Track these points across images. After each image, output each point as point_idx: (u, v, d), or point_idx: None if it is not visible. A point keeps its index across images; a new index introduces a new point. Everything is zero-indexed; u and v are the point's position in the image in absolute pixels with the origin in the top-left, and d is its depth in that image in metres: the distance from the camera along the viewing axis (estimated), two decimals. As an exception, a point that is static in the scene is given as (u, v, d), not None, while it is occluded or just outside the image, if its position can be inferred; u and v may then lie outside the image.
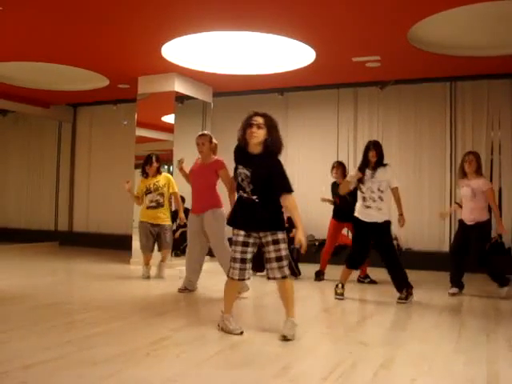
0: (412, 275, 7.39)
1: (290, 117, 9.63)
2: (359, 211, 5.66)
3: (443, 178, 8.68)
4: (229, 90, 9.43)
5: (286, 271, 3.98)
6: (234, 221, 4.10)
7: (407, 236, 8.78)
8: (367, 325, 4.79)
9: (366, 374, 3.20)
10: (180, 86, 8.51)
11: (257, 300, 5.78)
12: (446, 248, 8.51)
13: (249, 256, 4.01)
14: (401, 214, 5.73)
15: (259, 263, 7.04)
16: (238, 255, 3.97)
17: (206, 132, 6.05)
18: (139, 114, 8.79)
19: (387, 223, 5.60)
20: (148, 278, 6.94)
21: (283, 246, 3.97)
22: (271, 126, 3.98)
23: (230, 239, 4.36)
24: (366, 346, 3.90)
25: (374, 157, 5.60)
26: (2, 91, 9.69)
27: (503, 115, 8.43)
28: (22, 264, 8.43)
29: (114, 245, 10.18)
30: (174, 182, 7.07)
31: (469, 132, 8.61)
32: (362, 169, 5.65)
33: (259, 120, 3.94)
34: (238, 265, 3.97)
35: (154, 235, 7.01)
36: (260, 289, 6.17)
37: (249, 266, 4.02)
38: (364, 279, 6.87)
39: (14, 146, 12.35)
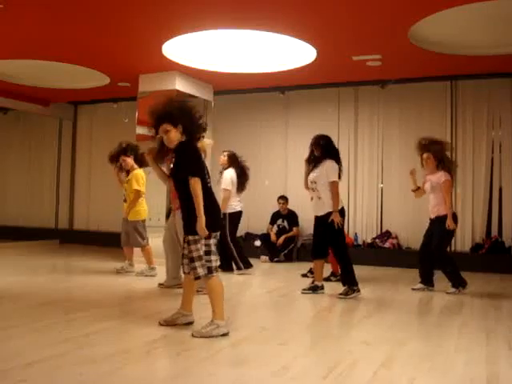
0: (411, 274, 7.40)
1: (291, 115, 9.62)
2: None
3: (444, 177, 8.67)
4: (230, 88, 9.42)
5: (199, 272, 3.96)
6: None
7: (407, 235, 8.79)
8: (367, 324, 4.79)
9: (366, 373, 3.20)
10: (181, 85, 8.50)
11: (257, 299, 5.78)
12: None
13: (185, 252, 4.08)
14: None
15: (227, 263, 7.16)
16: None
17: None
18: (140, 112, 8.78)
19: (328, 216, 5.70)
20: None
21: (193, 247, 3.96)
22: (178, 118, 4.01)
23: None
24: (366, 345, 3.90)
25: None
26: (3, 89, 9.69)
27: (504, 114, 8.43)
28: (22, 262, 8.43)
29: (115, 243, 10.10)
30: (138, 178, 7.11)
31: (469, 131, 8.60)
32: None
33: (165, 128, 4.00)
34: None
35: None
36: (260, 288, 6.17)
37: (185, 261, 4.08)
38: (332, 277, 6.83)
39: (14, 144, 12.34)
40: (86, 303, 5.16)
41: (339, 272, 6.10)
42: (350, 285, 5.66)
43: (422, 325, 4.73)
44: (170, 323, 4.17)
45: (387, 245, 8.65)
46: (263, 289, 6.15)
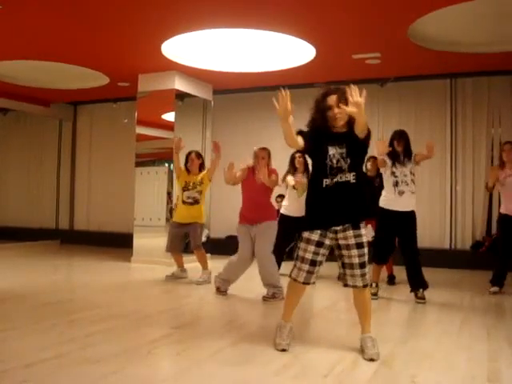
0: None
1: (291, 114, 9.60)
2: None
3: (443, 174, 8.67)
4: (229, 87, 9.42)
5: (368, 278, 3.61)
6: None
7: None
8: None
9: (367, 371, 3.21)
10: (180, 84, 8.51)
11: (257, 297, 5.78)
12: (446, 245, 8.53)
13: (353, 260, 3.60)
14: None
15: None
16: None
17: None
18: (139, 112, 8.79)
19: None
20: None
21: (363, 250, 3.56)
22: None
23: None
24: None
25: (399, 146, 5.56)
26: (3, 90, 9.69)
27: (503, 112, 8.43)
28: (23, 262, 8.43)
29: (115, 243, 10.18)
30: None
31: (469, 129, 8.60)
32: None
33: (335, 99, 3.49)
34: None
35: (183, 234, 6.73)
36: (260, 286, 6.16)
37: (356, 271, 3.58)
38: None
39: (14, 145, 12.34)
40: (88, 303, 5.17)
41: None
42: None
43: (422, 322, 4.73)
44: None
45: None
46: (263, 287, 6.13)
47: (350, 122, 3.46)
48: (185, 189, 6.59)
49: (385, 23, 6.12)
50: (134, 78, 8.67)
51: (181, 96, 8.67)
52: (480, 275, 7.05)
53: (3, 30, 6.50)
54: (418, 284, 5.51)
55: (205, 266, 6.58)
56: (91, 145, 11.56)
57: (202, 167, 6.72)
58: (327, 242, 3.54)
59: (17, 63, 8.15)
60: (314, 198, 3.61)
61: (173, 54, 7.55)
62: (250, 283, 5.95)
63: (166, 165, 8.63)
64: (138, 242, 8.54)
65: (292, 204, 6.53)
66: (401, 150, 5.56)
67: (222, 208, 9.21)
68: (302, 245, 3.58)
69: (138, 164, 8.91)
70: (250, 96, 9.72)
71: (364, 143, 3.52)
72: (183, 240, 6.75)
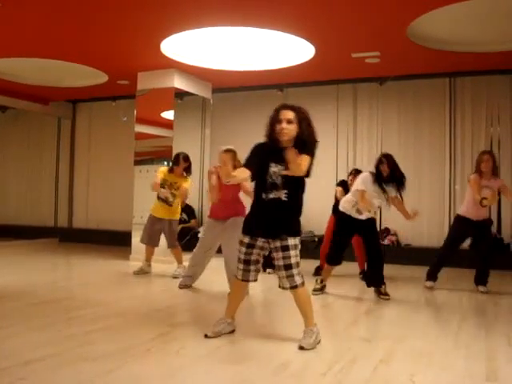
0: (411, 271, 7.43)
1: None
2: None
3: (443, 174, 8.68)
4: (228, 86, 9.42)
5: (297, 280, 3.73)
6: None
7: (406, 232, 8.80)
8: (366, 320, 4.80)
9: (366, 370, 3.21)
10: (179, 82, 8.50)
11: (256, 296, 5.78)
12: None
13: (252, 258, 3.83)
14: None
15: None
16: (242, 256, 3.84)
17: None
18: (138, 110, 8.78)
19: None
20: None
21: (293, 252, 3.71)
22: (303, 119, 3.70)
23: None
24: (365, 341, 3.91)
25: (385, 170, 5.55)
26: (2, 87, 9.67)
27: (502, 111, 8.43)
28: (22, 260, 8.42)
29: (114, 241, 10.19)
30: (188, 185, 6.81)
31: (468, 128, 8.60)
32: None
33: (289, 114, 3.66)
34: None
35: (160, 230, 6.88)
36: (259, 284, 6.17)
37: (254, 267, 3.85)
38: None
39: (13, 143, 12.33)
40: (86, 301, 5.16)
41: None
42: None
43: (421, 321, 4.73)
44: (217, 334, 3.91)
45: (386, 242, 8.66)
46: (263, 285, 6.14)
47: (297, 140, 3.65)
48: (162, 186, 6.70)
49: (384, 22, 6.12)
50: (133, 76, 8.66)
51: (180, 94, 8.67)
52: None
53: (2, 27, 6.49)
54: (377, 281, 5.58)
55: (180, 261, 6.85)
56: (90, 143, 11.55)
57: (187, 170, 6.77)
58: (259, 243, 3.77)
59: (16, 61, 8.14)
60: (252, 208, 3.87)
61: (172, 52, 7.54)
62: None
63: (165, 163, 8.63)
64: (136, 240, 8.50)
65: None
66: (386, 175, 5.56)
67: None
68: (238, 246, 3.87)
69: (137, 162, 8.90)
70: (249, 94, 9.72)
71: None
72: (158, 234, 6.89)
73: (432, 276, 6.13)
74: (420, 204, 8.55)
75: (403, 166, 8.78)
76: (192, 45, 7.44)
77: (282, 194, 3.67)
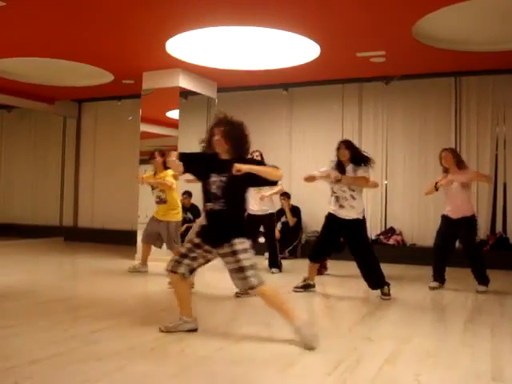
0: (416, 271, 7.41)
1: (295, 112, 9.60)
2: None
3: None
4: (233, 85, 9.41)
5: (253, 281, 3.77)
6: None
7: (411, 232, 8.78)
8: (371, 320, 4.79)
9: (371, 369, 3.20)
10: (184, 82, 8.50)
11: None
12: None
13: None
14: None
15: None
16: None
17: None
18: (144, 109, 8.79)
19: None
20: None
21: (243, 255, 3.77)
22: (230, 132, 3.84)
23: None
24: (370, 341, 3.91)
25: (344, 156, 5.57)
26: (7, 87, 9.71)
27: (508, 110, 8.40)
28: (27, 260, 8.45)
29: (119, 240, 10.20)
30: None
31: (474, 127, 8.58)
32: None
33: (219, 131, 3.83)
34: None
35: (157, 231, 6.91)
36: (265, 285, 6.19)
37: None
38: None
39: (19, 142, 12.38)
40: (92, 301, 5.18)
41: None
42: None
43: (426, 320, 4.73)
44: (169, 330, 3.97)
45: (391, 241, 8.65)
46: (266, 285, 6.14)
47: (233, 151, 3.82)
48: (152, 188, 6.86)
49: (390, 21, 6.10)
50: (138, 76, 8.67)
51: (185, 94, 8.68)
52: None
53: (7, 27, 6.51)
54: (377, 282, 5.55)
55: None
56: (95, 142, 11.58)
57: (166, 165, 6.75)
58: (207, 247, 3.89)
59: (21, 60, 8.15)
60: (203, 216, 4.04)
61: (177, 52, 7.55)
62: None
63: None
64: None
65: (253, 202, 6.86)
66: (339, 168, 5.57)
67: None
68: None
69: (142, 161, 8.91)
70: (254, 94, 9.71)
71: (251, 177, 3.73)
72: (156, 234, 6.93)
73: (436, 277, 6.08)
74: (425, 203, 8.54)
75: (408, 165, 8.87)
76: (197, 44, 7.43)
77: (222, 204, 3.80)
